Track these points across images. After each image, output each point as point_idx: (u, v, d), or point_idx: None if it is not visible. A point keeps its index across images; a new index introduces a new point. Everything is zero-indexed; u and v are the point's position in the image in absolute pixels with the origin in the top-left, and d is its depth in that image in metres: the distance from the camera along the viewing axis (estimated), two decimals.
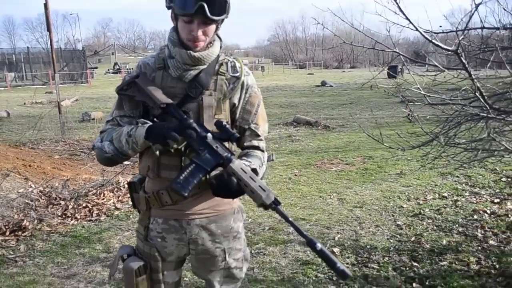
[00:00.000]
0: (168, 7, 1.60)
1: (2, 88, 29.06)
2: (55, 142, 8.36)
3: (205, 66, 1.64)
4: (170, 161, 1.64)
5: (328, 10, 3.03)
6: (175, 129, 1.51)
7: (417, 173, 5.60)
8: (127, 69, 44.47)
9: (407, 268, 3.18)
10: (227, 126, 1.56)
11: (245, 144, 1.73)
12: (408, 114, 3.39)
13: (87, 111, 13.00)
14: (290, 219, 1.48)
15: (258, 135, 1.75)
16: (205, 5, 1.48)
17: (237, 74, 1.69)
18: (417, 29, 2.53)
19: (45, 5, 8.65)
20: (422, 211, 4.36)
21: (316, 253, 1.39)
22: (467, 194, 4.87)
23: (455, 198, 4.75)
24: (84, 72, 34.66)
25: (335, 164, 6.61)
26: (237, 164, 1.49)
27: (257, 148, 1.73)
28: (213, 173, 1.56)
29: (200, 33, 1.56)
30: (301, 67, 63.71)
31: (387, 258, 3.36)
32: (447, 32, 2.89)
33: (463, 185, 5.22)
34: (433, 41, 2.57)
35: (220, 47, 1.70)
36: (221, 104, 1.65)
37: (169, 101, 1.58)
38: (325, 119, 11.44)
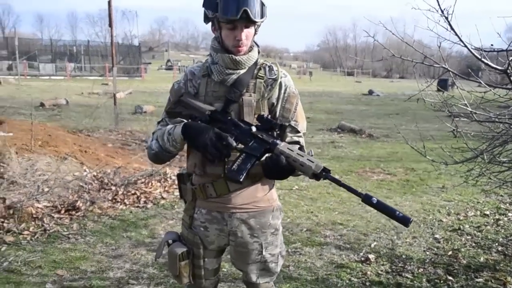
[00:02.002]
0: (210, 20, 1.76)
1: (62, 78, 30.56)
2: (109, 131, 8.81)
3: (244, 70, 1.80)
4: None
5: (380, 23, 3.10)
6: (214, 139, 1.62)
7: (460, 189, 5.53)
8: (179, 66, 45.57)
9: (442, 281, 3.20)
10: (268, 117, 1.70)
11: (286, 140, 1.81)
12: (454, 130, 3.40)
13: (139, 104, 13.52)
14: (342, 182, 1.56)
15: (298, 131, 1.87)
16: (248, 10, 1.65)
17: (274, 76, 1.83)
18: (466, 47, 2.57)
19: (109, 2, 9.13)
20: (461, 226, 4.34)
21: (374, 207, 1.47)
22: (510, 214, 4.78)
23: (497, 216, 4.68)
24: (138, 66, 35.85)
25: (377, 173, 6.61)
26: (283, 145, 1.61)
27: (297, 143, 1.83)
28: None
29: (244, 36, 1.72)
30: (349, 74, 62.93)
31: (422, 270, 3.39)
32: (498, 51, 2.89)
33: (507, 204, 5.12)
34: (483, 59, 2.59)
35: (258, 52, 1.85)
36: (260, 104, 1.80)
37: (213, 108, 1.75)
38: (369, 128, 11.38)
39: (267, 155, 1.65)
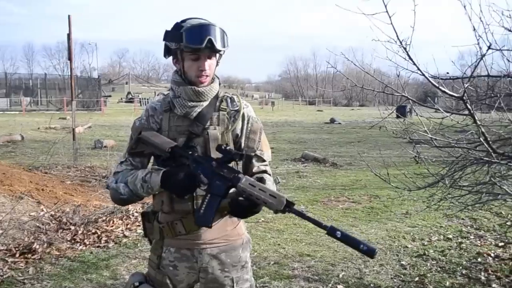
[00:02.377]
0: (171, 53, 1.78)
1: (18, 112, 29.61)
2: (67, 168, 8.50)
3: (207, 102, 1.79)
4: None
5: (341, 54, 3.17)
6: (185, 179, 1.64)
7: (423, 214, 5.62)
8: (139, 98, 45.18)
9: None
10: (227, 148, 1.66)
11: (253, 170, 1.84)
12: (415, 156, 3.48)
13: (99, 138, 13.21)
14: (307, 215, 1.53)
15: (264, 160, 1.88)
16: (213, 39, 1.68)
17: (237, 108, 1.85)
18: (424, 76, 2.66)
19: (68, 35, 8.98)
20: (426, 252, 4.38)
21: (339, 240, 1.45)
22: (472, 236, 4.89)
23: (459, 240, 4.77)
24: (98, 100, 35.28)
25: (342, 201, 6.66)
26: (244, 182, 1.57)
27: (265, 172, 1.85)
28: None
29: (207, 66, 1.74)
30: (310, 103, 64.33)
31: None
32: (454, 79, 3.01)
33: (468, 227, 5.24)
34: (440, 87, 2.69)
35: (219, 84, 1.87)
36: (225, 136, 1.80)
37: (173, 143, 1.71)
38: (333, 156, 11.53)
39: (231, 190, 1.62)
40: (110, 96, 50.60)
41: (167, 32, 1.76)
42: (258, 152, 1.86)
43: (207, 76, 1.76)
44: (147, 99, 47.51)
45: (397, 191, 3.85)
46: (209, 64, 1.75)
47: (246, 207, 1.59)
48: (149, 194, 1.76)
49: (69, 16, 9.27)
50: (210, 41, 1.67)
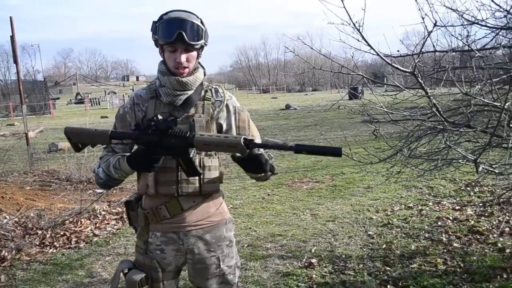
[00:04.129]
0: (155, 42, 1.82)
1: None
2: (24, 174, 8.23)
3: (192, 91, 1.85)
4: (167, 177, 1.82)
5: (297, 39, 3.28)
6: (141, 159, 1.70)
7: (383, 187, 5.91)
8: (90, 99, 43.88)
9: (381, 273, 3.42)
10: (156, 119, 1.67)
11: None
12: (374, 130, 3.68)
13: (53, 142, 12.83)
14: (269, 144, 1.60)
15: None
16: (183, 33, 1.72)
17: (221, 99, 1.92)
18: (378, 55, 2.82)
19: (12, 37, 8.64)
20: (390, 221, 4.64)
21: (307, 154, 1.53)
22: (430, 203, 5.21)
23: (420, 207, 5.07)
24: (46, 103, 33.94)
25: (306, 182, 6.85)
26: (198, 143, 1.62)
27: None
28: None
29: (184, 59, 1.78)
30: (264, 91, 64.66)
31: (361, 265, 3.59)
32: (404, 56, 3.20)
33: (426, 195, 5.57)
34: (393, 64, 2.86)
35: (204, 74, 1.92)
36: (209, 125, 1.87)
37: (108, 132, 1.77)
38: (292, 141, 11.75)
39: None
40: (58, 98, 48.77)
41: (152, 23, 1.79)
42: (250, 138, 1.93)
43: (185, 67, 1.79)
44: (98, 99, 46.28)
45: (357, 168, 4.05)
46: (187, 56, 1.79)
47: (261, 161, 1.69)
48: (125, 177, 1.85)
49: (10, 17, 8.91)
50: (180, 35, 1.71)
